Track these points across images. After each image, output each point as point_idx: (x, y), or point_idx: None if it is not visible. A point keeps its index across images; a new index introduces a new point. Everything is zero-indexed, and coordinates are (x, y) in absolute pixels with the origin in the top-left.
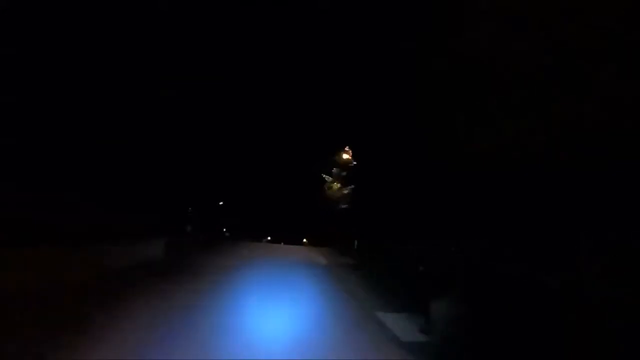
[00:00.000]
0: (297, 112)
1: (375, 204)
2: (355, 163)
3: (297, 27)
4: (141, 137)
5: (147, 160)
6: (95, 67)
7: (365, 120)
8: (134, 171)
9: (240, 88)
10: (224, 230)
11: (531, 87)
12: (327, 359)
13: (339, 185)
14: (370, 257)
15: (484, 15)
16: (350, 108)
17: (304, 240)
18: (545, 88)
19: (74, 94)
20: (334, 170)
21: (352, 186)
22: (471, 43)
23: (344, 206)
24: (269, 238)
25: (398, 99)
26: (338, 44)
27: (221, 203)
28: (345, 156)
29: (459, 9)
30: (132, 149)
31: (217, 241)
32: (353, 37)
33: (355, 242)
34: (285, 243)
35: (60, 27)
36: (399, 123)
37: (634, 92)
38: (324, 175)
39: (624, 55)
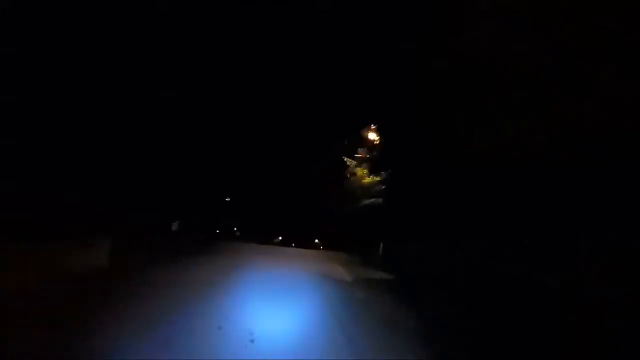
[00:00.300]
0: (308, 95)
1: (416, 197)
2: (386, 145)
3: (297, 25)
4: (141, 137)
5: (147, 160)
6: (95, 67)
7: (388, 93)
8: (134, 171)
9: (244, 81)
10: (235, 229)
11: (531, 87)
12: (328, 359)
13: (365, 170)
14: (408, 269)
15: (484, 15)
16: (367, 85)
17: (316, 241)
18: (545, 88)
19: (74, 93)
20: (360, 153)
21: (389, 171)
22: (471, 43)
23: (369, 201)
24: (280, 238)
25: (398, 99)
26: (339, 42)
27: (228, 199)
28: (372, 135)
29: (459, 9)
30: (132, 148)
31: (211, 243)
32: (353, 36)
33: (381, 247)
34: (296, 245)
35: (60, 27)
36: (400, 122)
37: (634, 92)
38: (345, 159)
39: (624, 56)
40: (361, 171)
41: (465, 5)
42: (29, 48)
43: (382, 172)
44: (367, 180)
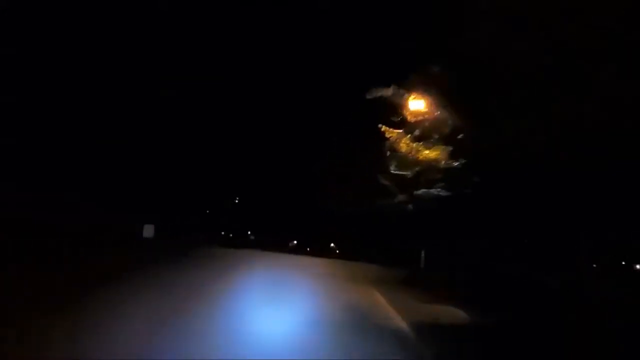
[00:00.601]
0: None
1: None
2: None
3: (295, 26)
4: (142, 137)
5: (148, 160)
6: (96, 68)
7: None
8: (135, 171)
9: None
10: (249, 232)
11: (531, 87)
12: (328, 359)
13: (415, 144)
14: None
15: (484, 15)
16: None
17: (332, 245)
18: (545, 88)
19: (74, 94)
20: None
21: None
22: (471, 43)
23: (418, 192)
24: (295, 242)
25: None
26: (338, 42)
27: (237, 200)
28: (414, 105)
29: (459, 9)
30: (133, 148)
31: (190, 255)
32: (354, 37)
33: (422, 255)
34: (311, 250)
35: (60, 27)
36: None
37: (634, 92)
38: (382, 127)
39: (624, 56)
40: (406, 142)
41: (465, 5)
42: (29, 48)
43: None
44: (426, 153)
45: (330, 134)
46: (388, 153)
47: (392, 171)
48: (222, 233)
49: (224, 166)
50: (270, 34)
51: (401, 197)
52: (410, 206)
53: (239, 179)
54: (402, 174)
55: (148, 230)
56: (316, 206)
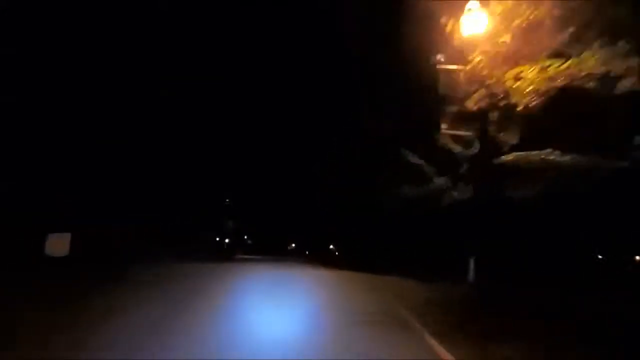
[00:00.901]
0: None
1: None
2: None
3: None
4: (141, 137)
5: (146, 160)
6: (97, 68)
7: None
8: (135, 171)
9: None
10: (245, 237)
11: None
12: (331, 359)
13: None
14: None
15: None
16: None
17: (331, 246)
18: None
19: (74, 94)
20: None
21: None
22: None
23: (499, 160)
24: (293, 245)
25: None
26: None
27: (227, 201)
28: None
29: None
30: (133, 149)
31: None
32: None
33: (472, 264)
34: (310, 252)
35: (60, 27)
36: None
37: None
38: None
39: None
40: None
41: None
42: (29, 48)
43: None
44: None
45: (330, 134)
46: (448, 91)
47: (443, 130)
48: (217, 239)
49: (222, 167)
50: (270, 32)
51: (440, 181)
52: (455, 193)
53: (237, 180)
54: (458, 139)
55: (55, 244)
56: (315, 206)
